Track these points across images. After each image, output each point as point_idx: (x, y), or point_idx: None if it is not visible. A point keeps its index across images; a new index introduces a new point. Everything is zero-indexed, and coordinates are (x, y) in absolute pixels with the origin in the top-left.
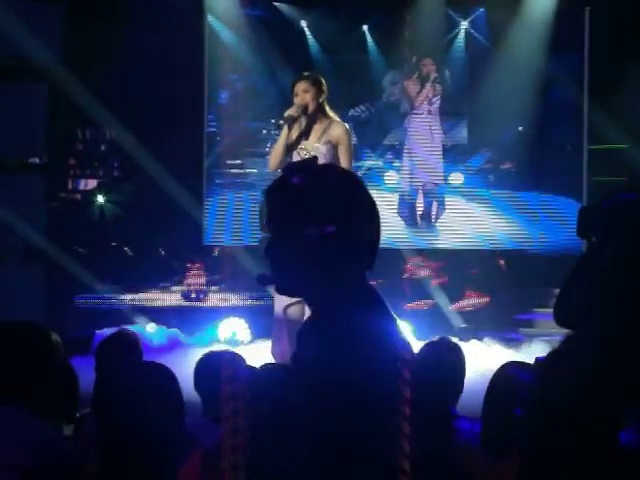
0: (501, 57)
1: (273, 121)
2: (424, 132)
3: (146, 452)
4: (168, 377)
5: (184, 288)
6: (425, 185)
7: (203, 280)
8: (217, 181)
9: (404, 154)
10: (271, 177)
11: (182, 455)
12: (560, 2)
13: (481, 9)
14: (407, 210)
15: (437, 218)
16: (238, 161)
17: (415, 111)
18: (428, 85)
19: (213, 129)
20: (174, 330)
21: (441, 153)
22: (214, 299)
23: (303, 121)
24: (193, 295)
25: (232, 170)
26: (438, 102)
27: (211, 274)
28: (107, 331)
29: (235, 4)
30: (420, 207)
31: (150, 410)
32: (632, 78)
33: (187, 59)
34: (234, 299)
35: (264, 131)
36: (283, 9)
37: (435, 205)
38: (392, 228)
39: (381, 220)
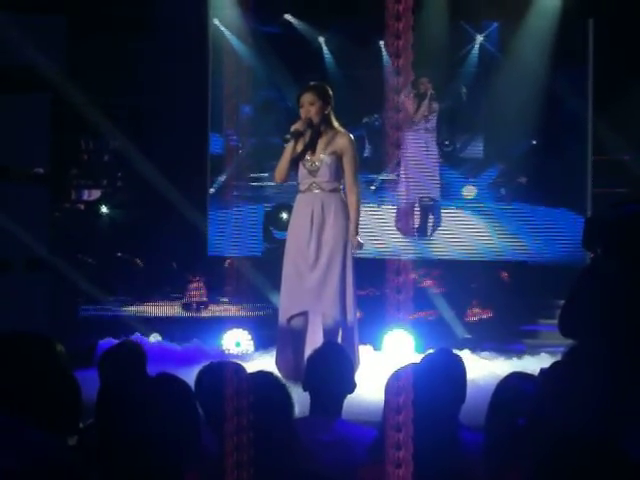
0: (509, 71)
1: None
2: (421, 148)
3: (150, 464)
4: (184, 391)
5: (186, 299)
6: (421, 200)
7: (204, 291)
8: (221, 192)
9: (401, 170)
10: (279, 189)
11: (188, 468)
12: (564, 14)
13: (495, 23)
14: (404, 224)
15: (433, 232)
16: (249, 174)
17: (412, 128)
18: (425, 103)
19: (233, 142)
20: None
21: (438, 168)
22: (218, 310)
23: (308, 133)
24: (194, 305)
25: (237, 182)
26: (435, 119)
27: (215, 285)
28: (111, 341)
29: (243, 17)
30: (417, 221)
31: (164, 424)
32: (636, 88)
33: (192, 69)
34: (238, 310)
35: (285, 145)
36: (297, 25)
37: (431, 219)
38: (397, 238)
39: (385, 231)
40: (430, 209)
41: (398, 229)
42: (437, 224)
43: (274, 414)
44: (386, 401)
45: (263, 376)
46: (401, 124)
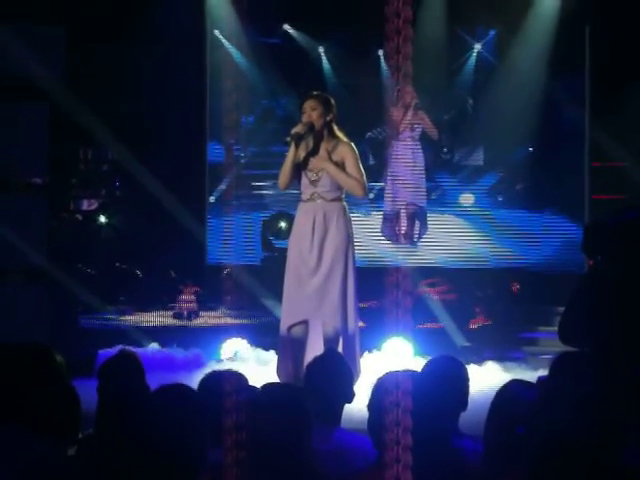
0: (507, 78)
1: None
2: (407, 157)
3: (149, 474)
4: (193, 401)
5: (177, 307)
6: (408, 207)
7: (195, 299)
8: (220, 200)
9: (388, 178)
10: (282, 196)
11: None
12: (561, 21)
13: (492, 32)
14: (389, 231)
15: (419, 238)
16: (249, 183)
17: (399, 137)
18: (410, 112)
19: (233, 151)
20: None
21: (424, 176)
22: (215, 318)
23: (311, 141)
24: (185, 314)
25: (237, 191)
26: (420, 129)
27: (213, 293)
28: (110, 351)
29: (242, 28)
30: (403, 228)
31: (172, 435)
32: (633, 94)
33: (190, 79)
34: (237, 318)
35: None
36: (296, 35)
37: (418, 225)
38: (394, 247)
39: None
40: (416, 216)
41: (384, 236)
42: (424, 231)
43: (295, 428)
44: (370, 407)
45: (281, 388)
46: (391, 133)
